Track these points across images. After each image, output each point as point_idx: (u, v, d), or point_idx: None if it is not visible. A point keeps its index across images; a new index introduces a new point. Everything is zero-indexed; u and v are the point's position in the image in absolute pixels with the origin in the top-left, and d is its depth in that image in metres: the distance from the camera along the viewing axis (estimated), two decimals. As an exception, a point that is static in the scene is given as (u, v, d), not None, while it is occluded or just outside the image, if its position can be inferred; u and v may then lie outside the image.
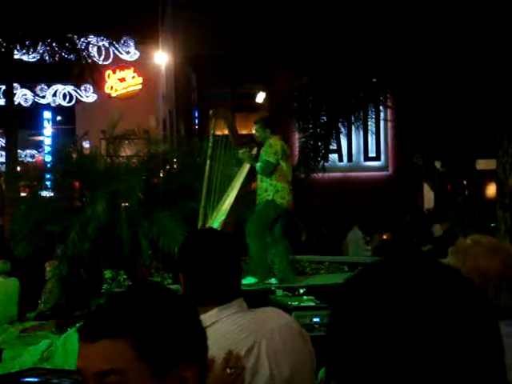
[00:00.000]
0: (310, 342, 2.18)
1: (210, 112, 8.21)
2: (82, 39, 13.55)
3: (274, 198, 7.47)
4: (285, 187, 7.54)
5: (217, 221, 7.81)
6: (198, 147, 9.61)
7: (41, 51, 13.33)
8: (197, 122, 18.67)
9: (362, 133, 16.33)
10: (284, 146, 7.66)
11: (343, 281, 0.90)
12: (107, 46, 17.01)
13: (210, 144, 8.04)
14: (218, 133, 8.47)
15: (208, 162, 8.00)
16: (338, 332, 0.85)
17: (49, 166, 13.91)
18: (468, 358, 0.79)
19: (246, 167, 8.01)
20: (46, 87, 23.13)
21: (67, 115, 24.98)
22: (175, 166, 10.55)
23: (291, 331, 2.13)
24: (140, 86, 22.49)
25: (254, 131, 7.87)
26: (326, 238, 15.43)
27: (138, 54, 21.62)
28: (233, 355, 1.94)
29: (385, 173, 19.06)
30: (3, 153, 14.36)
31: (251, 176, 7.94)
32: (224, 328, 2.02)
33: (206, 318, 1.98)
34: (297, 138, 12.26)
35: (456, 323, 0.80)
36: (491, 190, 11.82)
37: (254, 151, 7.83)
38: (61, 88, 23.05)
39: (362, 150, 18.93)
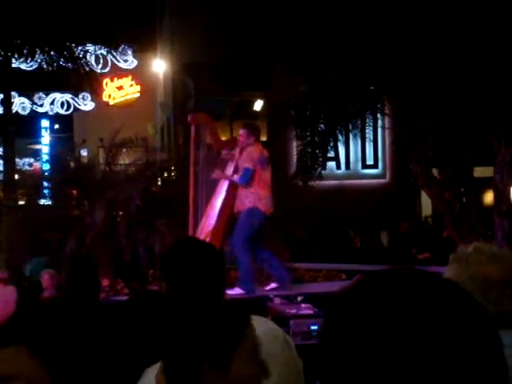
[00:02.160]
0: (295, 349, 2.17)
1: (188, 118, 8.20)
2: (79, 48, 13.52)
3: (257, 205, 7.43)
4: (266, 194, 7.51)
5: (206, 228, 7.77)
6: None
7: (39, 60, 13.30)
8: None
9: (359, 140, 16.32)
10: (263, 153, 7.60)
11: (339, 290, 0.89)
12: (105, 54, 16.99)
13: (192, 150, 8.01)
14: (208, 140, 8.40)
15: (192, 169, 7.96)
16: (333, 343, 0.84)
17: (47, 174, 13.89)
18: (468, 371, 0.78)
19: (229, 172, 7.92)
20: (43, 95, 23.10)
21: (65, 123, 24.96)
22: (173, 173, 10.56)
23: (275, 339, 2.10)
24: (138, 94, 22.47)
25: (239, 133, 7.84)
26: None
27: (135, 62, 21.61)
28: None
29: (382, 180, 19.05)
30: (1, 161, 14.34)
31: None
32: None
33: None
34: (294, 145, 12.27)
35: (453, 334, 0.79)
36: (488, 197, 11.83)
37: (234, 151, 7.81)
38: (59, 96, 23.03)
39: (360, 157, 18.92)
